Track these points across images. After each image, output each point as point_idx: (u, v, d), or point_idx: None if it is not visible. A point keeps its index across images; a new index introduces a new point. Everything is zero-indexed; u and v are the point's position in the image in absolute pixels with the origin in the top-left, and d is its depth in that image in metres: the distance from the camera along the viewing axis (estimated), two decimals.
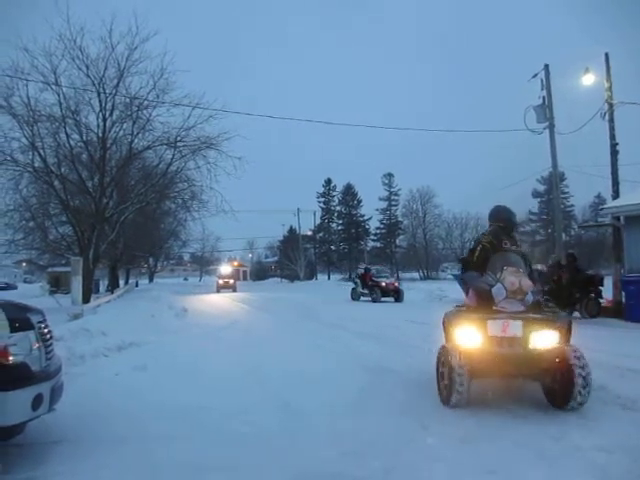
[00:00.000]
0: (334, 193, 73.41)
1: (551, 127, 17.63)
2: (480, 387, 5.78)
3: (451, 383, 4.96)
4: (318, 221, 71.67)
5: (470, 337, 4.96)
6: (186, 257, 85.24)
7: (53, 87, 18.13)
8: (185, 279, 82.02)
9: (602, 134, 16.00)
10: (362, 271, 25.24)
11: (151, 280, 58.78)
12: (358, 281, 24.96)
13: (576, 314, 14.10)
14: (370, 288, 23.60)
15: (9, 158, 18.25)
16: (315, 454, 3.91)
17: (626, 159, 16.10)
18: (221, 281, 38.97)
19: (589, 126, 16.92)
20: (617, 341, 9.85)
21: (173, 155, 21.01)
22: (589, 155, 24.69)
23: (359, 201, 72.20)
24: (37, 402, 3.67)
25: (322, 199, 73.15)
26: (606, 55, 15.90)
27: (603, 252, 41.92)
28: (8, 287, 42.23)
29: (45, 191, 20.27)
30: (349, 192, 72.00)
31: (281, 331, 12.23)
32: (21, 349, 3.70)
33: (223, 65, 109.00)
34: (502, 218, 5.74)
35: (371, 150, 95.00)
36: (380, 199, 70.93)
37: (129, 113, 19.85)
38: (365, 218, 71.98)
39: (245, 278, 72.68)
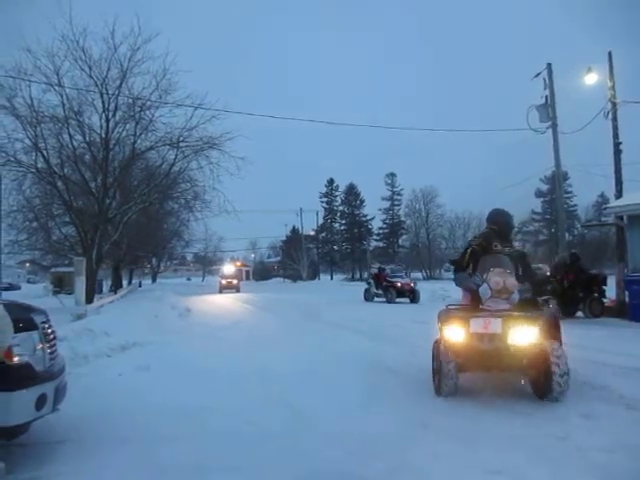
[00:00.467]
0: (337, 193, 73.57)
1: (554, 126, 17.60)
2: (481, 387, 5.79)
3: (441, 375, 5.37)
4: (321, 221, 71.88)
5: (456, 333, 5.32)
6: (189, 257, 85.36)
7: (56, 88, 18.12)
8: (188, 279, 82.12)
9: (605, 133, 15.99)
10: (376, 271, 24.55)
11: (154, 280, 58.78)
12: (372, 281, 24.24)
13: (579, 314, 14.08)
14: (385, 288, 22.95)
15: (12, 159, 18.26)
16: (319, 454, 3.91)
17: (629, 158, 16.09)
18: (224, 281, 38.26)
19: (592, 125, 16.92)
20: (620, 341, 9.81)
21: (176, 155, 21.00)
22: (592, 154, 24.64)
23: (362, 201, 72.29)
24: (41, 402, 3.69)
25: (325, 199, 73.31)
26: (609, 54, 15.86)
27: (606, 252, 41.85)
28: (12, 287, 42.19)
29: (48, 192, 20.29)
30: (352, 192, 72.04)
31: (285, 331, 12.24)
32: (25, 349, 3.71)
33: (225, 65, 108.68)
34: (497, 221, 6.06)
35: (374, 150, 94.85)
36: (383, 199, 71.09)
37: (132, 114, 19.86)
38: (368, 218, 72.11)
39: (248, 278, 72.63)
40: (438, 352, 5.53)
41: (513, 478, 3.43)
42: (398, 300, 22.14)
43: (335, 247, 74.06)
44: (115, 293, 25.91)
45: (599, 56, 15.92)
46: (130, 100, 19.57)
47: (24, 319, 3.81)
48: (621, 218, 14.83)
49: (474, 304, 5.64)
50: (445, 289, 24.38)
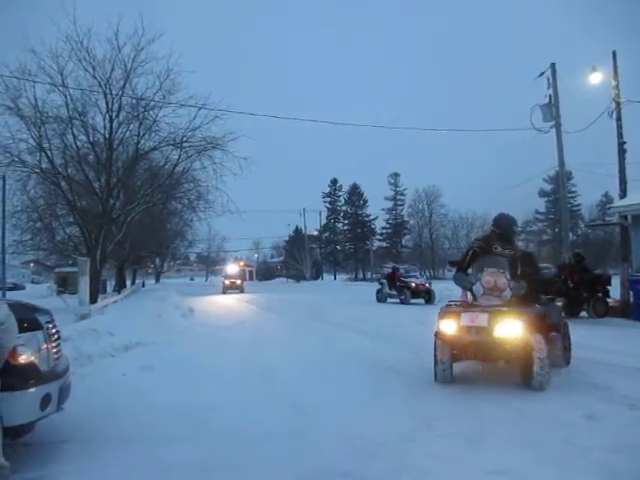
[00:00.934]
0: (340, 193, 73.50)
1: (558, 126, 17.55)
2: (485, 387, 5.79)
3: (437, 364, 6.03)
4: (324, 221, 71.77)
5: (449, 326, 5.88)
6: (192, 257, 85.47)
7: (60, 88, 18.21)
8: (191, 279, 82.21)
9: (609, 133, 15.93)
10: (389, 270, 23.59)
11: (157, 280, 58.90)
12: (385, 281, 23.25)
13: (583, 314, 14.04)
14: (399, 289, 22.01)
15: (17, 159, 18.34)
16: (322, 453, 3.91)
17: (634, 158, 15.98)
18: (227, 281, 36.71)
19: (596, 125, 16.85)
20: (625, 341, 9.78)
21: (179, 156, 21.06)
22: (596, 154, 24.55)
23: (365, 201, 72.19)
24: (45, 402, 3.70)
25: (328, 199, 73.25)
26: (613, 53, 15.80)
27: (610, 251, 41.64)
28: (16, 287, 42.42)
29: (52, 192, 20.36)
30: (355, 192, 71.98)
31: (289, 332, 12.24)
32: (29, 349, 3.73)
33: (225, 65, 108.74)
34: (500, 225, 6.60)
35: (377, 150, 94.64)
36: (386, 199, 70.96)
37: (135, 114, 19.91)
38: (371, 218, 71.97)
39: (251, 278, 72.66)
40: (436, 343, 6.09)
41: (518, 478, 3.42)
42: (413, 301, 21.25)
43: (338, 247, 74.01)
44: (119, 293, 25.99)
45: (602, 55, 15.91)
46: (134, 100, 19.64)
47: (29, 319, 3.83)
48: (625, 218, 14.77)
49: (471, 301, 6.25)
50: (449, 289, 24.31)
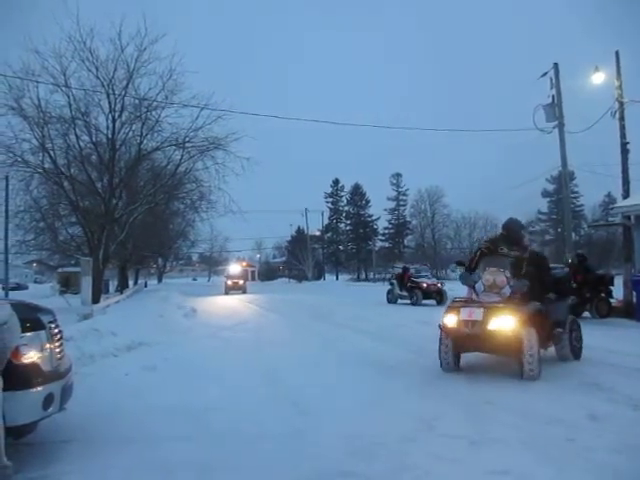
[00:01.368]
0: (342, 193, 73.45)
1: (560, 126, 17.49)
2: (487, 387, 5.79)
3: (440, 353, 6.73)
4: (326, 221, 71.78)
5: (451, 320, 6.53)
6: (195, 257, 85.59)
7: (63, 89, 18.24)
8: (194, 279, 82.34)
9: (612, 133, 15.89)
10: (400, 271, 23.06)
11: (160, 280, 58.91)
12: (395, 282, 22.65)
13: (586, 314, 14.00)
14: (409, 290, 21.42)
15: (20, 159, 18.39)
16: (323, 454, 3.92)
17: (637, 158, 15.95)
18: (230, 282, 36.07)
19: (599, 125, 16.80)
20: (627, 341, 9.75)
21: (182, 156, 21.10)
22: (599, 154, 24.50)
23: (367, 201, 72.15)
24: (48, 401, 3.71)
25: (330, 199, 73.19)
26: (616, 53, 15.74)
27: (613, 252, 41.59)
28: (19, 287, 42.48)
29: (55, 192, 20.39)
30: (357, 192, 71.94)
31: (291, 332, 12.24)
32: (32, 349, 3.73)
33: (226, 66, 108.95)
34: (508, 228, 7.22)
35: (379, 150, 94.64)
36: (388, 199, 70.91)
37: (138, 114, 19.94)
38: (373, 218, 71.92)
39: (253, 278, 72.67)
40: (440, 335, 6.74)
41: (519, 479, 3.42)
42: (424, 302, 20.68)
43: (340, 247, 73.97)
44: (121, 293, 26.00)
45: (603, 55, 15.87)
46: (136, 101, 19.68)
47: (31, 319, 3.84)
48: (628, 218, 14.73)
49: (474, 298, 6.84)
50: (452, 289, 24.29)
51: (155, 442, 4.22)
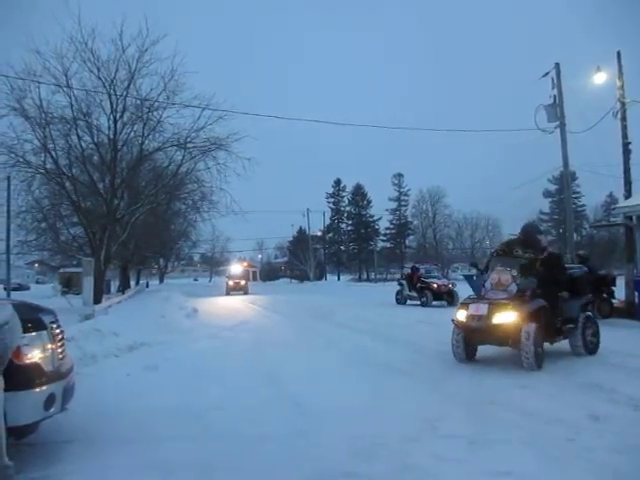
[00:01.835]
0: (344, 193, 73.42)
1: (562, 126, 17.48)
2: (489, 387, 5.78)
3: (453, 344, 7.42)
4: (328, 221, 71.76)
5: (461, 315, 7.25)
6: (196, 258, 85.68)
7: (65, 89, 18.22)
8: (195, 279, 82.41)
9: (614, 133, 15.86)
10: (409, 271, 22.47)
11: (161, 281, 58.99)
12: (404, 282, 22.03)
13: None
14: (419, 290, 20.69)
15: (22, 160, 18.38)
16: (325, 454, 3.91)
17: (639, 158, 15.92)
18: (231, 282, 35.62)
19: (601, 125, 16.77)
20: (629, 341, 9.75)
21: (183, 156, 21.08)
22: (601, 154, 24.42)
23: (369, 201, 72.12)
24: (49, 402, 3.71)
25: (331, 199, 73.20)
26: (618, 53, 15.72)
27: (615, 252, 41.54)
28: (21, 288, 42.48)
29: (57, 192, 20.39)
30: (359, 192, 71.92)
31: (293, 333, 12.24)
32: (34, 349, 3.74)
33: (226, 66, 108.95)
34: (524, 232, 7.91)
35: (380, 150, 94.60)
36: (390, 199, 70.85)
37: (140, 115, 19.94)
38: (375, 218, 71.92)
39: (255, 279, 72.59)
40: (453, 328, 7.40)
41: (522, 479, 3.42)
42: (434, 303, 19.99)
43: (342, 247, 73.97)
44: (123, 293, 26.04)
45: (604, 56, 15.85)
46: (138, 101, 19.66)
47: (33, 319, 3.84)
48: (630, 218, 14.70)
49: (483, 295, 7.42)
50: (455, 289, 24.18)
51: (156, 442, 4.22)
